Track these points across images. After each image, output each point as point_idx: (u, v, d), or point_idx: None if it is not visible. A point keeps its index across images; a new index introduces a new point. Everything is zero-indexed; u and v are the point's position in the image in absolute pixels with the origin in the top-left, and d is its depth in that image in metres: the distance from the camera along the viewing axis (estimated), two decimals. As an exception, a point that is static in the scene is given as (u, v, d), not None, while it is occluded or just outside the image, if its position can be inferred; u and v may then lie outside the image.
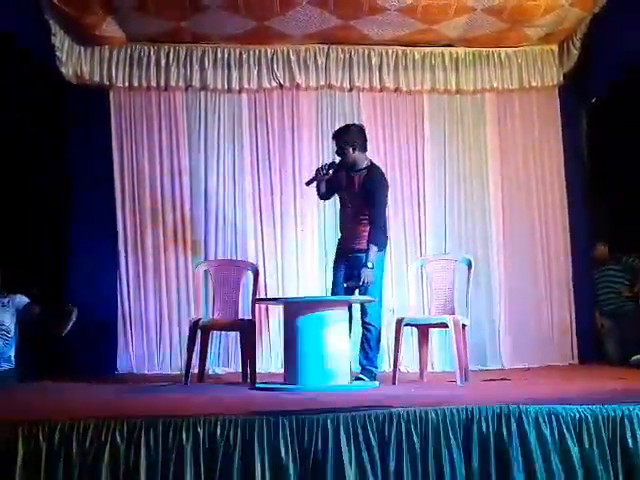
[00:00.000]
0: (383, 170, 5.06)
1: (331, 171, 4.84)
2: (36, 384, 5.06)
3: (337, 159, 4.93)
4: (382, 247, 4.82)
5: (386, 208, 4.99)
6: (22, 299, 5.47)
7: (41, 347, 5.57)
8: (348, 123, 5.24)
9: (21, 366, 5.33)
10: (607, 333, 6.34)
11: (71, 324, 5.31)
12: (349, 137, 4.80)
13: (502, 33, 6.35)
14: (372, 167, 4.90)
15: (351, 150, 4.78)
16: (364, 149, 4.86)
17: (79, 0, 5.58)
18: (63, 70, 6.11)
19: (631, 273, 6.28)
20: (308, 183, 4.98)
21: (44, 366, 5.53)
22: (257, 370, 5.02)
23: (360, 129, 4.94)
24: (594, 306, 6.51)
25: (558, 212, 6.67)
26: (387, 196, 4.97)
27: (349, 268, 4.81)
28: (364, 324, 4.79)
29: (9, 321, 5.37)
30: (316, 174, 4.88)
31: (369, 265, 4.59)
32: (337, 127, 5.49)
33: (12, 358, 5.32)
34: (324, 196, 5.11)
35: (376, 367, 4.85)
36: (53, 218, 6.12)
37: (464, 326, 4.79)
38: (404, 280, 5.84)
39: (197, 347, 5.11)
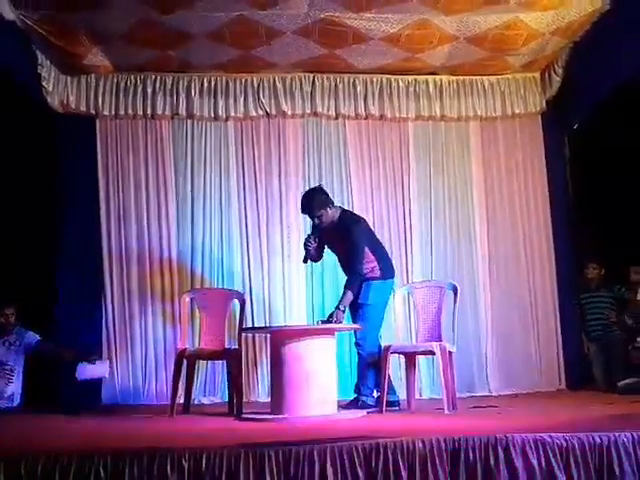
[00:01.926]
0: (357, 212, 5.36)
1: (317, 239, 4.95)
2: (19, 416, 5.00)
3: (312, 224, 5.00)
4: (387, 276, 4.97)
5: (377, 243, 5.05)
6: (33, 337, 5.46)
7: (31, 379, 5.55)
8: (306, 192, 5.18)
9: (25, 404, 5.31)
10: (594, 359, 6.34)
11: (94, 377, 5.40)
12: (317, 204, 4.88)
13: (485, 61, 6.45)
14: (342, 215, 5.01)
15: (327, 210, 4.89)
16: (332, 203, 4.97)
17: (67, 31, 5.62)
18: (49, 99, 6.14)
19: (620, 302, 6.29)
20: (305, 260, 5.02)
21: (30, 397, 5.48)
22: (244, 399, 4.99)
23: (320, 190, 5.03)
24: (581, 331, 6.52)
25: (543, 237, 6.71)
26: (365, 232, 5.03)
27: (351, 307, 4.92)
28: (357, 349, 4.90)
29: (13, 361, 5.35)
30: (306, 249, 4.95)
31: (340, 307, 4.70)
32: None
33: (14, 396, 5.28)
34: (317, 258, 5.20)
35: (367, 395, 4.85)
36: (39, 246, 6.07)
37: (451, 353, 4.77)
38: (391, 307, 5.83)
39: (183, 377, 5.06)
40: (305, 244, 4.96)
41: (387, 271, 5.00)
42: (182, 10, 5.42)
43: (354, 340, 4.95)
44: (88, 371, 5.32)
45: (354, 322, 4.85)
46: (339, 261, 5.17)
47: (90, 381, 5.42)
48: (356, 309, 4.85)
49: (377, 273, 4.93)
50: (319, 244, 5.04)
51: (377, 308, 4.93)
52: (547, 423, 3.51)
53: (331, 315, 4.70)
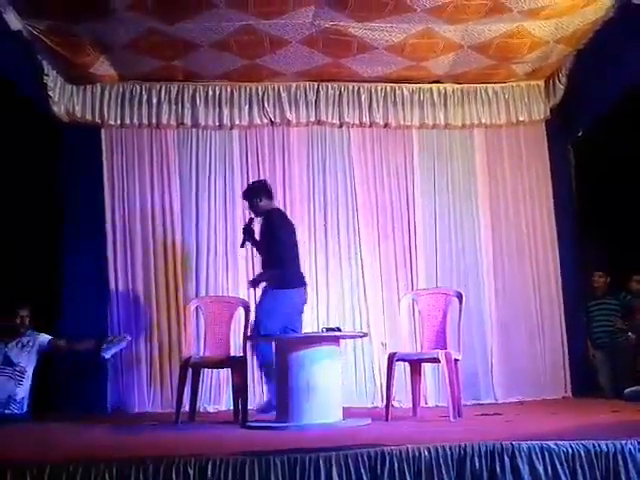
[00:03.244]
0: (284, 212, 5.59)
1: (253, 225, 5.30)
2: (26, 423, 5.01)
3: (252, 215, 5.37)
4: (289, 286, 5.03)
5: (292, 247, 5.19)
6: (44, 337, 5.49)
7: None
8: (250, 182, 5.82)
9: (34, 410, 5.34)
10: (599, 366, 6.33)
11: (118, 349, 5.54)
12: (253, 193, 5.32)
13: (489, 69, 6.47)
14: (270, 211, 5.25)
15: (258, 201, 5.25)
16: (269, 198, 5.31)
17: (73, 41, 5.65)
18: (55, 109, 6.17)
19: (626, 309, 6.29)
20: (242, 245, 5.39)
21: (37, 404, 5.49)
22: (249, 407, 4.98)
23: (261, 183, 5.50)
24: (587, 338, 6.51)
25: (548, 245, 6.70)
26: (289, 235, 5.18)
27: None
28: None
29: (25, 362, 5.36)
30: (244, 234, 5.31)
31: (262, 278, 5.13)
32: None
33: (24, 401, 5.28)
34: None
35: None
36: (44, 255, 6.10)
37: (456, 360, 4.77)
38: (396, 314, 5.83)
39: (188, 385, 5.06)
40: (243, 230, 5.32)
41: (291, 281, 5.05)
42: (188, 20, 5.44)
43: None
44: (112, 348, 5.43)
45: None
46: (261, 262, 5.39)
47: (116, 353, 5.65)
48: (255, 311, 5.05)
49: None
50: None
51: (272, 315, 4.92)
52: (553, 430, 3.50)
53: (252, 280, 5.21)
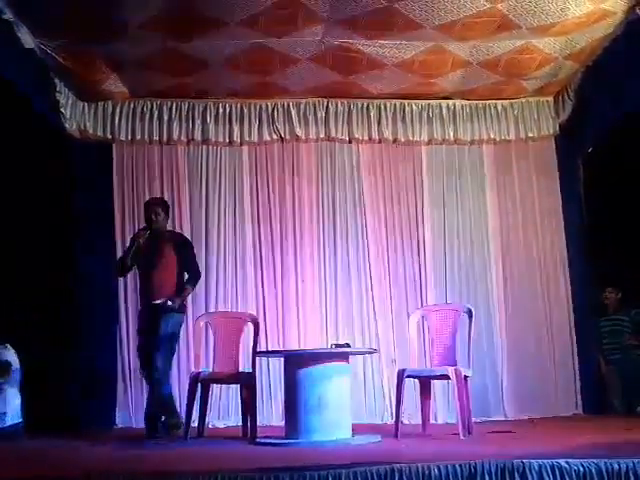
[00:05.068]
0: None
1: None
2: (36, 439, 5.01)
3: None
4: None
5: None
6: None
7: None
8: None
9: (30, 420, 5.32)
10: (611, 383, 6.27)
11: None
12: (167, 206, 5.39)
13: (498, 85, 6.49)
14: (172, 231, 5.57)
15: (166, 216, 5.33)
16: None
17: (85, 59, 5.72)
18: (67, 125, 6.23)
19: (637, 326, 6.24)
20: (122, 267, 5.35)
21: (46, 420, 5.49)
22: (258, 423, 4.96)
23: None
24: (598, 354, 6.46)
25: (558, 260, 6.68)
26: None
27: None
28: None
29: None
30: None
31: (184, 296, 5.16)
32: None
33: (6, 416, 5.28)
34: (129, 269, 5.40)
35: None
36: (54, 273, 6.12)
37: (466, 377, 4.75)
38: (405, 330, 5.81)
39: (197, 400, 5.06)
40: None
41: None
42: (199, 38, 5.49)
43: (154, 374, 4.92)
44: None
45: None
46: (148, 275, 5.17)
47: None
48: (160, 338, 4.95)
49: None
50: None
51: (174, 340, 5.06)
52: (564, 448, 3.47)
53: (171, 300, 4.96)
